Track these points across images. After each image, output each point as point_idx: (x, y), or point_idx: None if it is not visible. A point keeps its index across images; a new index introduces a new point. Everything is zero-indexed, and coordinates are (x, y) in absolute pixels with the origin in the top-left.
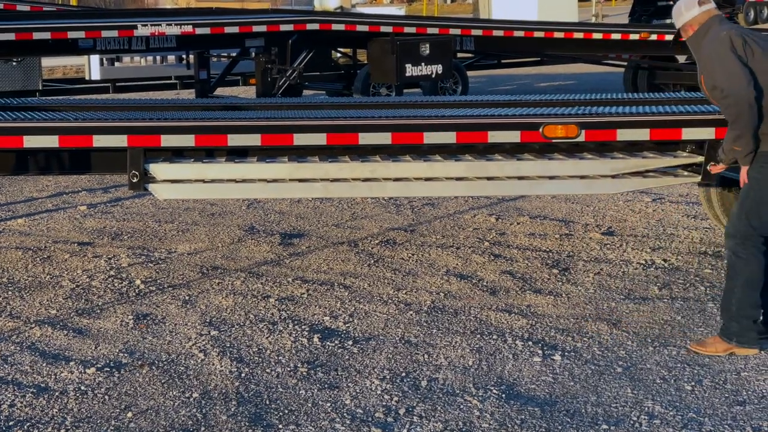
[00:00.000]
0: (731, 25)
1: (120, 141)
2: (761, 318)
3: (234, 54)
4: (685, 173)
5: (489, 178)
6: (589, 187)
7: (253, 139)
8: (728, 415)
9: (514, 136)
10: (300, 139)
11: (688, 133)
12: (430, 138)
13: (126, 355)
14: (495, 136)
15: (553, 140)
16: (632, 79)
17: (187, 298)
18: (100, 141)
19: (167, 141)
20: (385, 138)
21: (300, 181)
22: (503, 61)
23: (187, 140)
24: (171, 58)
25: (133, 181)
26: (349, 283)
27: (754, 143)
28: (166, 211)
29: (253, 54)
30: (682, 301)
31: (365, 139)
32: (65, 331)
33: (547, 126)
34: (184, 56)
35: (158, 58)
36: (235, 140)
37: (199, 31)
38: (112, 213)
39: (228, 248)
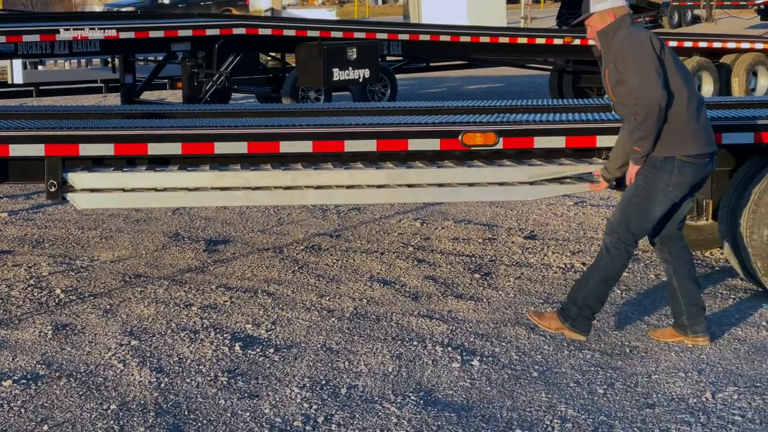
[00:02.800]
0: (643, 29)
1: (37, 150)
2: (600, 309)
3: (160, 58)
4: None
5: (409, 186)
6: (507, 193)
7: (174, 148)
8: (638, 418)
9: (433, 144)
10: (221, 148)
11: (603, 141)
12: (351, 146)
13: (43, 366)
14: (415, 144)
15: (472, 148)
16: (557, 83)
17: (108, 307)
18: (16, 150)
19: (86, 150)
20: (306, 146)
21: (221, 189)
22: (432, 64)
23: (107, 149)
24: (96, 61)
25: (51, 190)
26: (273, 290)
27: (654, 147)
28: (90, 217)
29: (180, 58)
30: (607, 303)
31: (286, 147)
32: None
33: (466, 134)
34: (109, 59)
35: (83, 61)
36: (155, 149)
37: (123, 35)
38: (34, 220)
39: (152, 255)
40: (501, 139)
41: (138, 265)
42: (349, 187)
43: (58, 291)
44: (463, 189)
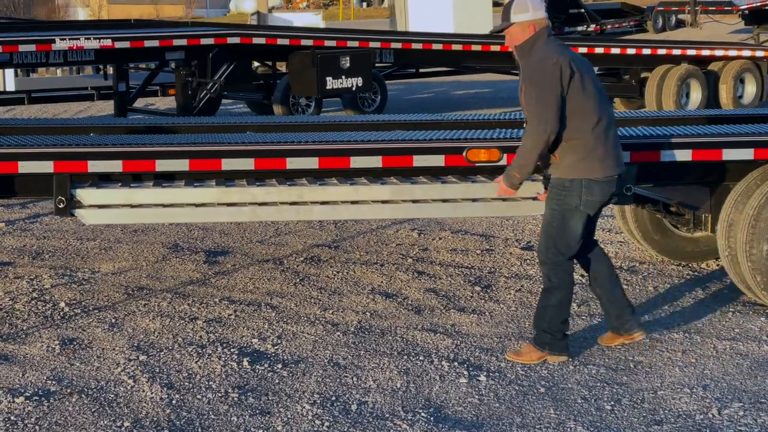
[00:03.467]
0: (559, 47)
1: (46, 167)
2: (568, 326)
3: (153, 66)
4: None
5: (414, 201)
6: (511, 208)
7: (181, 165)
8: None
9: (438, 160)
10: (228, 164)
11: None
12: (357, 162)
13: (54, 382)
14: (420, 161)
15: (477, 164)
16: None
17: (113, 320)
18: (25, 167)
19: (94, 167)
20: (312, 162)
21: (228, 205)
22: (421, 70)
23: (115, 166)
24: (88, 68)
25: (60, 206)
26: (276, 303)
27: (529, 175)
28: (88, 228)
29: (173, 66)
30: (600, 318)
31: (293, 163)
32: None
33: (471, 150)
34: (101, 66)
35: (74, 68)
36: (163, 165)
37: (118, 44)
38: (32, 230)
39: (153, 267)
40: (504, 155)
41: (140, 277)
42: (353, 202)
43: (62, 304)
44: (466, 204)
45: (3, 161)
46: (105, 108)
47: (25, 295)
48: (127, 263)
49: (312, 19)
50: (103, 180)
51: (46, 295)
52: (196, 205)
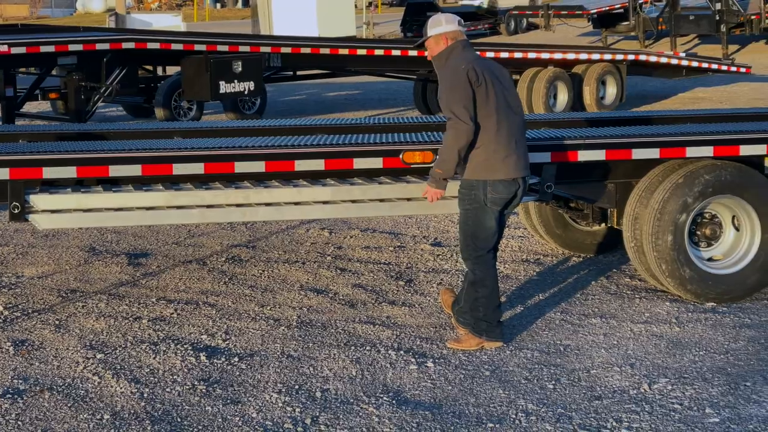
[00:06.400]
0: (470, 56)
1: (2, 174)
2: (501, 313)
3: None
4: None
5: (353, 201)
6: (445, 207)
7: (134, 170)
8: (591, 409)
9: (377, 162)
10: (179, 169)
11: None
12: (301, 165)
13: (21, 381)
14: (360, 163)
15: (412, 165)
16: (421, 93)
17: (57, 322)
18: None
19: (49, 173)
20: (259, 166)
21: (177, 208)
22: (299, 73)
23: (69, 172)
24: None
25: (14, 212)
26: (213, 301)
27: (453, 172)
28: None
29: (57, 71)
30: (522, 306)
31: (241, 167)
32: None
33: (407, 152)
34: None
35: None
36: (116, 171)
37: (14, 50)
38: None
39: (77, 270)
40: (437, 156)
41: (67, 280)
42: (297, 203)
43: (0, 308)
44: (402, 203)
45: None
46: None
47: None
48: (50, 267)
49: (172, 20)
50: (48, 186)
51: None
52: (147, 209)
